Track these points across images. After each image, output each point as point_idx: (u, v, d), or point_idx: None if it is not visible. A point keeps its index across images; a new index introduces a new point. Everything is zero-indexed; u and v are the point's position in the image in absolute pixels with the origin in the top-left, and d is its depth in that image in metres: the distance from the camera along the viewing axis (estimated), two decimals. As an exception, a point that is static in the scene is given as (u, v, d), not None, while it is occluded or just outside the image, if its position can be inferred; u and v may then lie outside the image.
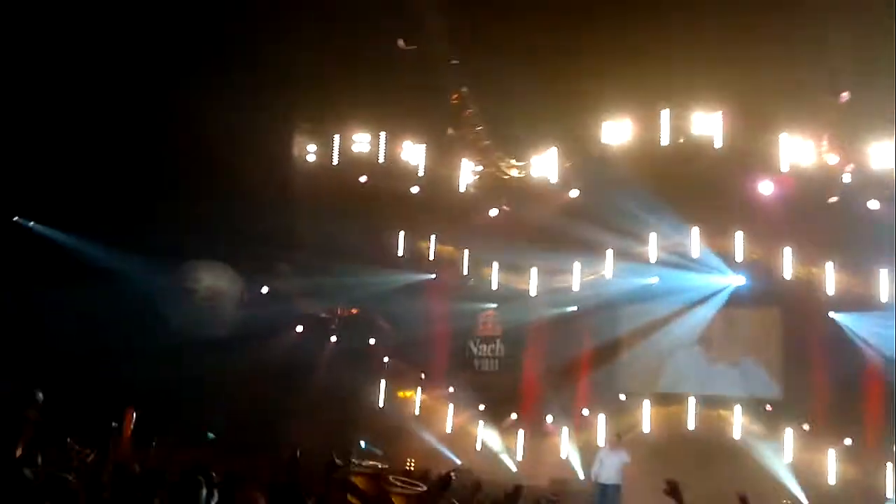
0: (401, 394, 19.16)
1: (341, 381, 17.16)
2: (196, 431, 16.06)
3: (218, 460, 9.19)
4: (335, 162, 17.21)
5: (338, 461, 7.16)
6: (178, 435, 13.55)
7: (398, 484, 4.52)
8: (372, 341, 18.80)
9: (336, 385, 17.10)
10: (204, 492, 4.14)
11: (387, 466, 4.68)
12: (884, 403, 15.15)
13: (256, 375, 16.53)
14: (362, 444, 18.01)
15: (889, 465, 14.95)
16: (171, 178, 16.26)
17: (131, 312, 15.31)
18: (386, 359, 19.00)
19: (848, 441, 15.33)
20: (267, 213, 15.88)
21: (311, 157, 17.36)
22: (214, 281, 18.04)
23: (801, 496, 15.23)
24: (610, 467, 14.04)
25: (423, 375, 18.84)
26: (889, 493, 14.76)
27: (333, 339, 18.73)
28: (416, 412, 18.76)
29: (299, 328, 18.55)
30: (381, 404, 18.65)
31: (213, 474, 5.45)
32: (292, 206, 16.47)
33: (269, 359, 17.05)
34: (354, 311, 18.84)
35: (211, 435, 16.88)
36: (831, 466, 15.37)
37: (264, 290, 18.26)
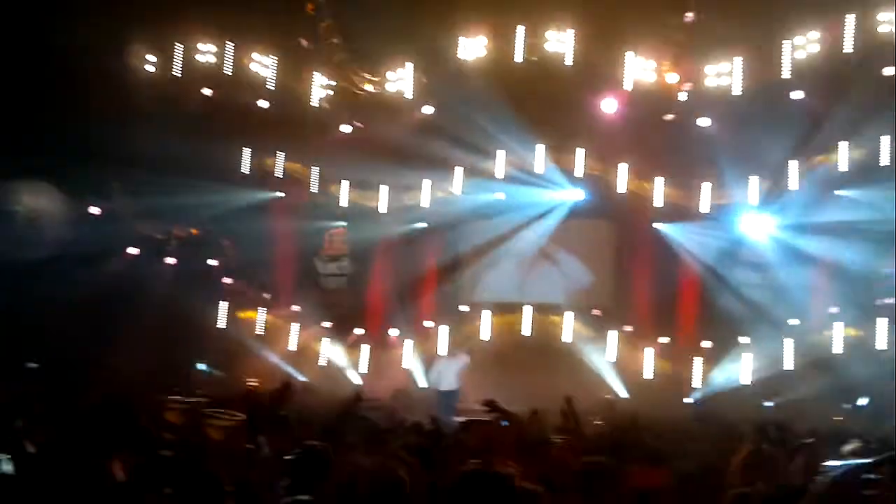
0: (242, 315, 18.76)
1: (178, 304, 16.59)
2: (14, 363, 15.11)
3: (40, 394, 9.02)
4: (177, 73, 16.17)
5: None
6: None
7: (215, 415, 5.19)
8: (213, 262, 18.23)
9: (173, 308, 16.49)
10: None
11: (204, 400, 4.58)
12: (698, 306, 16.89)
13: (84, 300, 15.72)
14: (201, 366, 17.83)
15: (697, 359, 16.64)
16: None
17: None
18: (227, 280, 18.52)
19: (664, 339, 16.83)
20: (99, 128, 14.95)
21: (149, 68, 16.19)
22: (35, 201, 16.68)
23: (622, 389, 16.69)
24: (448, 374, 14.66)
25: (266, 295, 18.60)
26: (696, 383, 16.46)
27: (171, 260, 17.97)
28: (260, 332, 18.48)
29: (133, 250, 17.64)
30: (221, 325, 18.20)
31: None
32: (127, 120, 15.40)
33: (99, 282, 16.24)
34: (194, 231, 18.13)
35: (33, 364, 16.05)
36: (648, 362, 16.86)
37: (94, 210, 16.98)
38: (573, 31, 14.73)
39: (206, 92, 16.32)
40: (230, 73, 16.30)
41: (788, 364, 15.52)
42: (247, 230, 17.54)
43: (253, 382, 17.32)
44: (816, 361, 15.03)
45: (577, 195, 17.18)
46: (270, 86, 16.53)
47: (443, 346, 17.22)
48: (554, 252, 17.73)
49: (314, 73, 16.30)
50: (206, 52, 16.19)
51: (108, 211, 17.47)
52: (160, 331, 16.31)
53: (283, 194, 18.05)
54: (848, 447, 6.08)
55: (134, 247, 17.67)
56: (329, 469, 3.99)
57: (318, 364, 18.08)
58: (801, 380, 14.93)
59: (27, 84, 14.98)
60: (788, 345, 15.58)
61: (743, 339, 15.66)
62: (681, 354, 16.61)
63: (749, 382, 15.50)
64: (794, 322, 15.73)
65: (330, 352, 18.18)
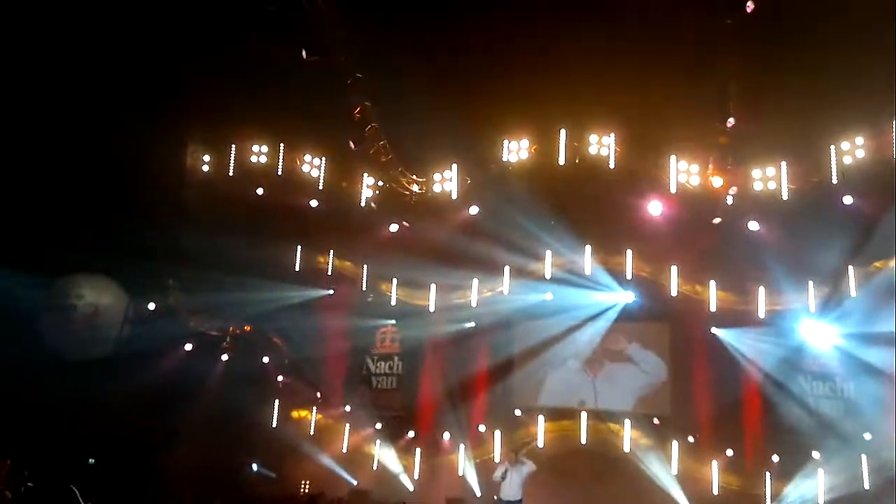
0: (295, 414, 19.06)
1: (232, 402, 16.93)
2: (74, 457, 16.13)
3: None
4: (231, 173, 16.92)
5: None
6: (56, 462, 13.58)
7: None
8: (265, 360, 18.68)
9: (226, 406, 16.85)
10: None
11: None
12: (762, 416, 16.22)
13: (142, 397, 16.14)
14: (254, 467, 18.19)
15: (767, 474, 15.99)
16: (55, 190, 15.79)
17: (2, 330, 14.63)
18: (280, 378, 18.89)
19: (730, 452, 16.24)
20: (156, 226, 15.69)
21: (205, 168, 16.97)
22: (97, 296, 17.46)
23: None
24: (513, 483, 14.31)
25: (318, 394, 18.84)
26: (768, 501, 15.80)
27: (224, 357, 18.46)
28: (311, 432, 18.69)
29: (188, 347, 18.19)
30: (274, 425, 18.49)
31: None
32: (183, 218, 16.19)
33: (156, 379, 16.68)
34: (247, 328, 18.68)
35: (91, 461, 16.53)
36: (715, 476, 16.27)
37: (151, 306, 17.67)
38: (614, 134, 14.61)
39: (259, 191, 16.94)
40: (281, 174, 16.93)
41: (865, 482, 14.97)
42: (298, 328, 18.10)
43: (305, 485, 17.97)
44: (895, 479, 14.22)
45: (627, 297, 17.07)
46: (320, 186, 17.16)
47: (497, 452, 17.22)
48: (625, 348, 17.46)
49: (362, 174, 16.57)
50: (259, 154, 16.62)
51: (164, 307, 18.11)
52: (214, 429, 16.69)
53: (333, 292, 18.41)
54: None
55: (189, 343, 18.18)
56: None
57: (371, 467, 18.21)
58: (878, 499, 14.48)
59: (88, 181, 15.83)
60: (864, 461, 15.03)
61: (815, 454, 15.18)
62: (749, 469, 16.16)
63: (825, 501, 15.15)
64: (867, 437, 15.13)
65: (382, 454, 18.30)
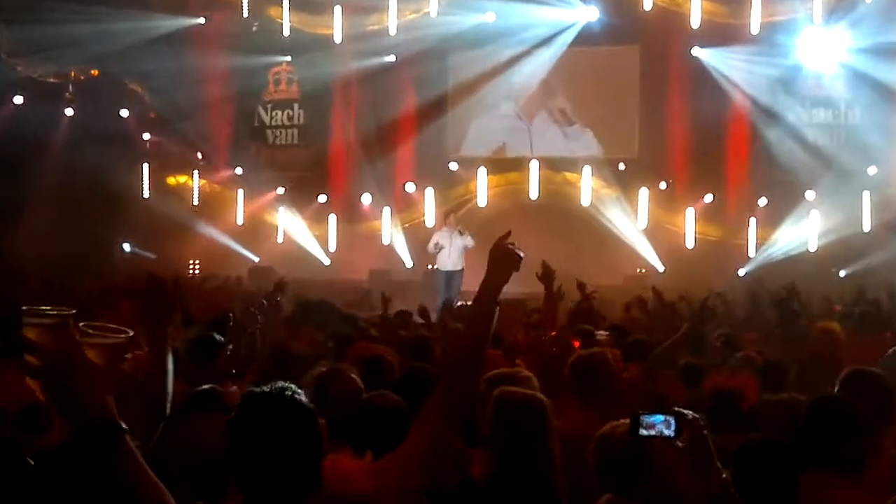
0: (171, 180, 18.08)
1: (86, 168, 15.15)
2: None
3: None
4: None
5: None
6: None
7: (92, 332, 2.11)
8: (124, 113, 17.13)
9: (80, 173, 15.25)
10: None
11: (73, 311, 2.62)
12: (749, 153, 15.87)
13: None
14: (126, 247, 17.29)
15: (752, 220, 15.77)
16: None
17: None
18: (146, 136, 17.61)
19: (709, 197, 15.96)
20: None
21: None
22: None
23: (657, 263, 15.91)
24: (453, 252, 13.63)
25: (199, 155, 17.75)
26: (751, 251, 15.73)
27: (69, 112, 16.73)
28: (195, 202, 17.85)
29: (18, 99, 16.17)
30: (145, 194, 17.42)
31: None
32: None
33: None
34: (94, 72, 16.77)
35: None
36: (690, 227, 16.03)
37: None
38: None
39: None
40: None
41: (866, 224, 14.75)
42: (163, 70, 16.18)
43: (194, 265, 17.20)
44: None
45: (589, 14, 15.81)
46: None
47: (429, 215, 16.66)
48: (591, 108, 16.53)
49: None
50: None
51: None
52: (67, 201, 15.46)
53: (205, 20, 16.80)
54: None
55: (18, 95, 16.12)
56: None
57: (275, 241, 17.52)
58: (881, 243, 14.09)
59: None
60: (866, 199, 14.76)
61: (808, 195, 14.96)
62: (731, 216, 15.86)
63: (816, 248, 14.88)
64: (872, 171, 14.78)
65: (288, 225, 17.59)
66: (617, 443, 3.04)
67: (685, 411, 2.66)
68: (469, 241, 13.28)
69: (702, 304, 6.66)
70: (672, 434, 2.59)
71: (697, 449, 2.61)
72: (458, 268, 13.37)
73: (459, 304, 11.87)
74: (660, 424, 2.61)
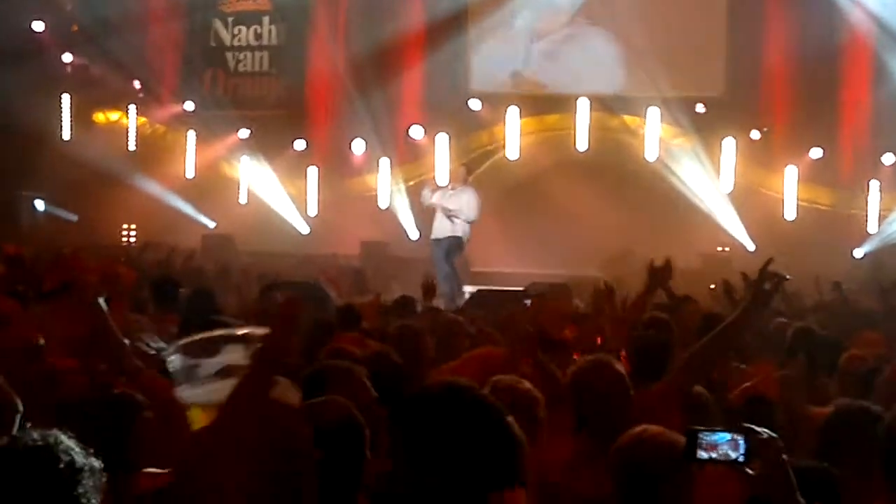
0: (100, 117, 18.20)
1: None
2: None
3: None
4: None
5: None
6: None
7: None
8: (37, 26, 17.03)
9: None
10: None
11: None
12: (871, 93, 15.71)
13: None
14: (38, 204, 17.35)
15: (874, 183, 15.71)
16: None
17: None
18: (67, 57, 17.53)
19: (816, 152, 15.88)
20: None
21: None
22: None
23: (745, 239, 15.80)
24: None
25: (136, 85, 17.79)
26: (871, 225, 15.68)
27: None
28: (131, 147, 17.91)
29: None
30: (66, 136, 17.51)
31: None
32: None
33: None
34: None
35: None
36: (790, 190, 15.96)
37: None
38: None
39: None
40: None
41: None
42: None
43: (129, 231, 17.60)
44: None
45: None
46: None
47: (441, 169, 16.39)
48: (660, 33, 16.28)
49: None
50: None
51: None
52: None
53: None
54: None
55: None
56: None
57: (237, 200, 17.66)
58: None
59: None
60: None
61: None
62: (845, 177, 15.78)
63: None
64: None
65: (253, 180, 17.62)
66: (649, 462, 3.00)
67: (758, 429, 2.61)
68: (468, 195, 12.80)
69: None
70: (741, 458, 2.56)
71: (774, 478, 2.56)
72: (448, 234, 13.02)
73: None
74: (724, 445, 2.59)
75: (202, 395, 2.05)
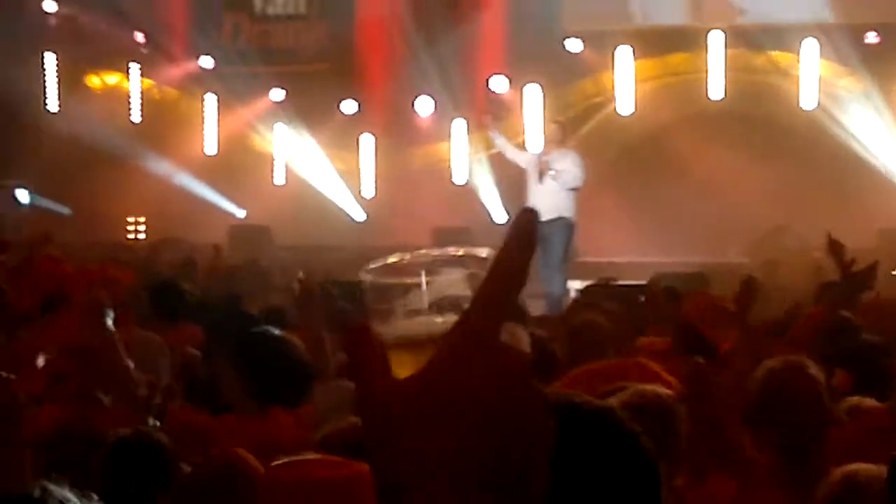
0: (94, 81, 18.21)
1: None
2: None
3: None
4: None
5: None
6: None
7: None
8: None
9: None
10: None
11: None
12: None
13: None
14: (20, 194, 17.36)
15: None
16: None
17: None
18: (50, 7, 17.44)
19: None
20: None
21: None
22: None
23: None
24: (546, 190, 12.70)
25: (139, 38, 17.74)
26: None
27: None
28: (135, 117, 17.92)
29: None
30: (53, 106, 17.61)
31: None
32: None
33: None
34: None
35: None
36: None
37: None
38: None
39: None
40: None
41: None
42: None
43: (136, 226, 17.98)
44: None
45: None
46: None
47: (535, 135, 15.71)
48: None
49: None
50: None
51: None
52: None
53: None
54: None
55: None
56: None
57: (271, 182, 17.65)
58: None
59: None
60: None
61: None
62: None
63: None
64: None
65: (293, 154, 17.58)
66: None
67: None
68: (565, 180, 12.42)
69: None
70: None
71: None
72: (555, 215, 12.48)
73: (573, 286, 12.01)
74: None
75: (405, 330, 1.82)
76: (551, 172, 12.26)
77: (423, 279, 2.09)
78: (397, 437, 2.15)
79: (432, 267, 2.12)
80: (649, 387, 3.90)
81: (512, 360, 2.24)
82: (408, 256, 2.10)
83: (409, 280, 2.18)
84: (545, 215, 11.91)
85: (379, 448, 2.23)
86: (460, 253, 2.10)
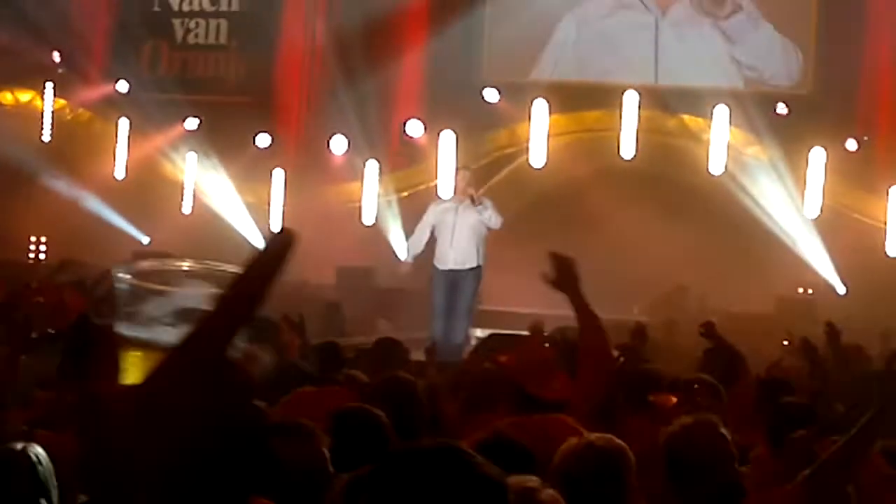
0: (7, 97, 18.25)
1: None
2: None
3: None
4: None
5: None
6: None
7: None
8: None
9: None
10: None
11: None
12: None
13: None
14: None
15: None
16: None
17: None
18: None
19: None
20: None
21: None
22: None
23: (834, 279, 15.48)
24: (459, 236, 12.86)
25: (55, 56, 17.69)
26: None
27: None
28: (45, 137, 17.87)
29: None
30: None
31: None
32: None
33: None
34: None
35: None
36: (894, 220, 15.58)
37: None
38: None
39: None
40: None
41: None
42: None
43: (39, 246, 17.83)
44: None
45: None
46: None
47: (446, 182, 15.87)
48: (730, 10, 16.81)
49: None
50: None
51: None
52: None
53: None
54: None
55: None
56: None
57: (180, 209, 17.67)
58: None
59: None
60: None
61: None
62: None
63: None
64: None
65: (203, 183, 17.57)
66: None
67: None
68: (490, 215, 12.44)
69: None
70: None
71: None
72: (468, 265, 12.68)
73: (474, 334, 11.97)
74: None
75: (146, 333, 2.06)
76: (479, 206, 12.23)
77: (169, 288, 2.19)
78: (115, 437, 2.27)
79: (180, 278, 2.20)
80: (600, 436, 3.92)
81: (235, 377, 2.25)
82: (160, 264, 2.19)
83: (156, 287, 2.26)
84: (464, 264, 12.59)
85: (93, 446, 2.36)
86: (219, 267, 2.21)
